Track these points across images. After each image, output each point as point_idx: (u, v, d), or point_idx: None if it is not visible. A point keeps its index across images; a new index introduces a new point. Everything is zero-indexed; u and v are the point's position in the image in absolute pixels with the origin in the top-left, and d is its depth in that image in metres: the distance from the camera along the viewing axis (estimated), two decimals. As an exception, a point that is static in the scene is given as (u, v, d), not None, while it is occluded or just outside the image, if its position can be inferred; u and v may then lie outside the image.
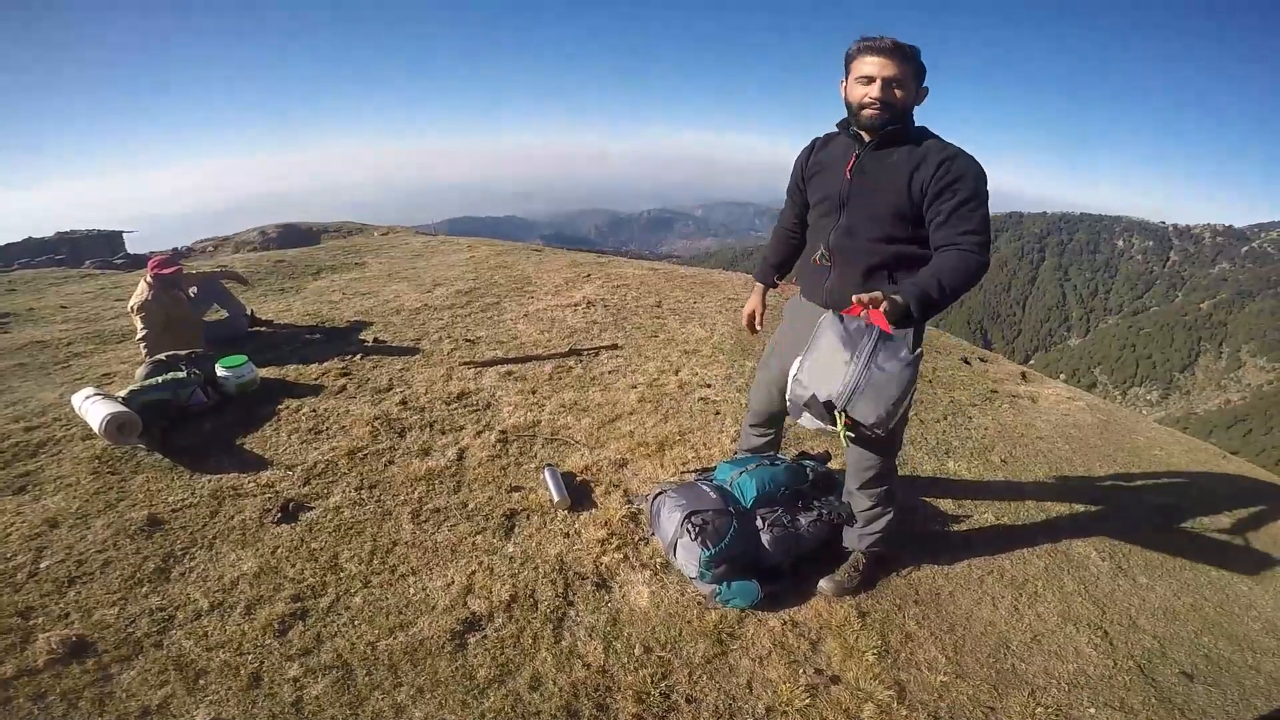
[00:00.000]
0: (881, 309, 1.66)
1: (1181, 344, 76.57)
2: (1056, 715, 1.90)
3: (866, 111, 1.87)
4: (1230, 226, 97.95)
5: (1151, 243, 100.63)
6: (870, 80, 1.83)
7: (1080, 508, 3.06)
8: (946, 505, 2.90)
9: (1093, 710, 1.94)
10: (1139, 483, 3.48)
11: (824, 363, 1.77)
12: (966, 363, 4.99)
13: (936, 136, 1.89)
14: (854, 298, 1.69)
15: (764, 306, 2.49)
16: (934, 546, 2.59)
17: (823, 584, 2.27)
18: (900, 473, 3.06)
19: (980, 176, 1.79)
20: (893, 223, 1.88)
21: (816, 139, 2.16)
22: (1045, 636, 2.21)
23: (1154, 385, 74.63)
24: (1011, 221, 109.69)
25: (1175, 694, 2.04)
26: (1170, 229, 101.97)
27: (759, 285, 2.50)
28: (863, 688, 1.90)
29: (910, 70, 1.84)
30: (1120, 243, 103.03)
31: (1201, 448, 4.39)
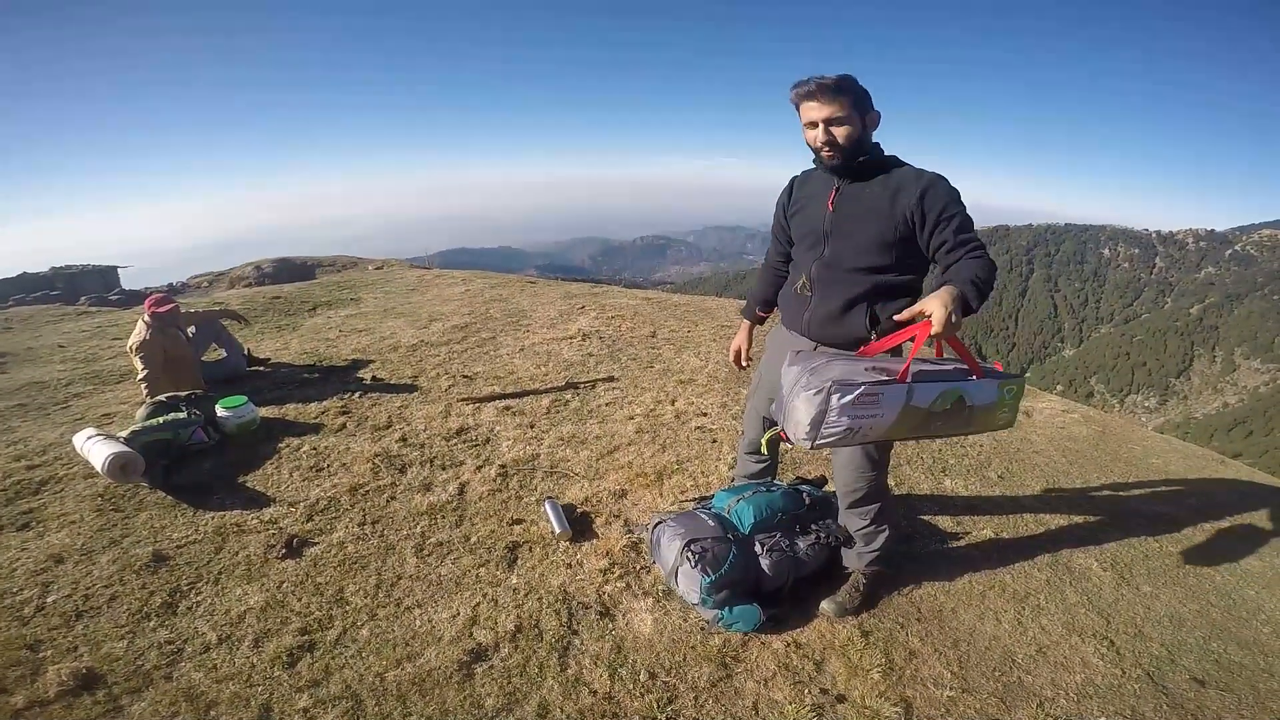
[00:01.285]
0: (937, 311, 1.57)
1: (1175, 349, 77.03)
2: (1066, 726, 1.91)
3: (823, 154, 1.94)
4: (1212, 230, 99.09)
5: (1137, 250, 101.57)
6: (814, 124, 1.89)
7: (1079, 520, 3.08)
8: (945, 523, 2.93)
9: (1103, 719, 1.95)
10: (1137, 492, 3.51)
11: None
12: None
13: (907, 164, 1.94)
14: (895, 318, 1.78)
15: (750, 343, 2.53)
16: (934, 564, 2.61)
17: (824, 605, 2.29)
18: (897, 492, 3.10)
19: (959, 196, 1.84)
20: (875, 252, 1.92)
21: (796, 177, 2.22)
22: (1050, 649, 2.22)
23: (1151, 392, 74.87)
24: (999, 235, 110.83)
25: (1188, 700, 2.04)
26: (1154, 235, 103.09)
27: (745, 322, 2.54)
28: (869, 705, 1.91)
29: (848, 101, 1.84)
30: (1106, 251, 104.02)
31: (1199, 454, 4.44)
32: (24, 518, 2.73)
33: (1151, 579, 2.67)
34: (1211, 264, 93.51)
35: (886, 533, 2.27)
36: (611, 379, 4.51)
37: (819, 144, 1.90)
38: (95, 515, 2.74)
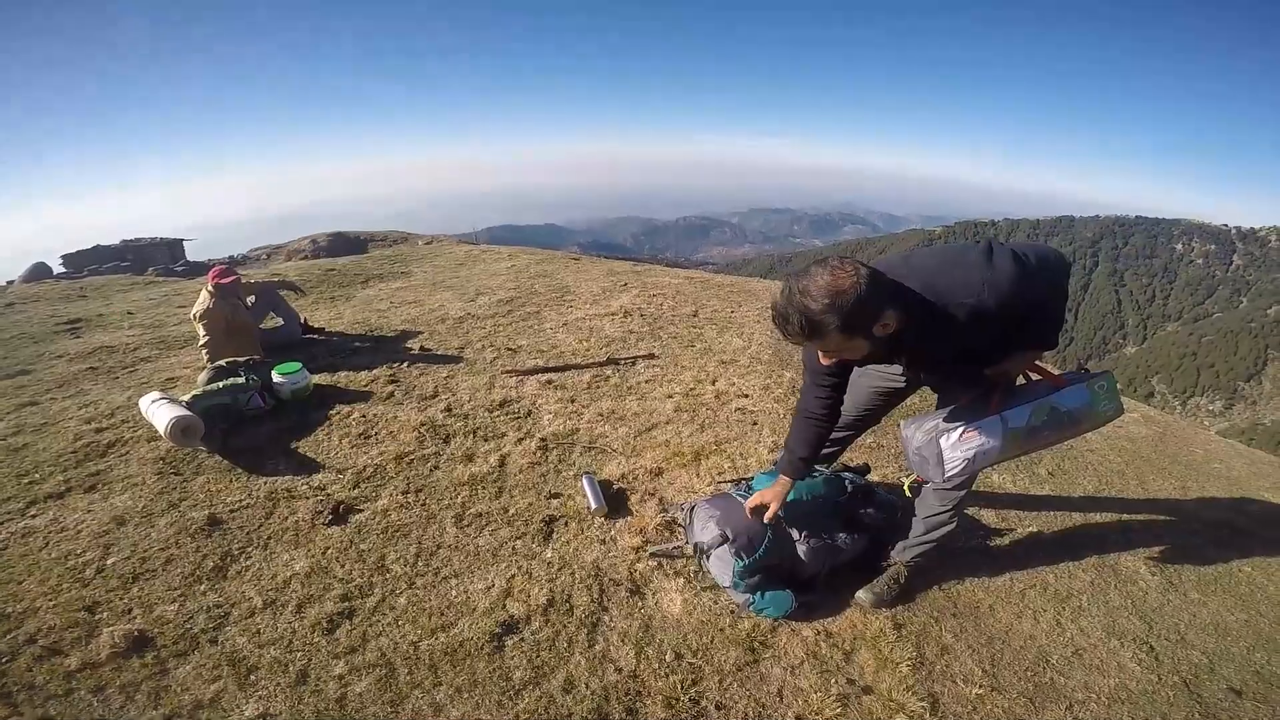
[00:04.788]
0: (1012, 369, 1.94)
1: (1247, 351, 72.66)
2: (1095, 731, 1.87)
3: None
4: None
5: (1213, 246, 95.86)
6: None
7: (1131, 522, 2.98)
8: (989, 518, 2.86)
9: None
10: (1195, 497, 3.37)
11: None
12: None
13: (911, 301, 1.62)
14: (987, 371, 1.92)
15: (782, 505, 2.18)
16: (975, 560, 2.56)
17: (860, 595, 2.27)
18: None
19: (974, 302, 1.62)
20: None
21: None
22: (1087, 651, 2.17)
23: (1217, 395, 70.97)
24: (1061, 226, 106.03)
25: (1221, 710, 1.99)
26: (1233, 231, 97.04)
27: (786, 480, 2.16)
28: (895, 699, 1.90)
29: (835, 338, 1.54)
30: (1179, 246, 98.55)
31: (1266, 460, 4.22)
32: (91, 479, 2.87)
33: (1201, 586, 2.57)
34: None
35: (951, 528, 2.19)
36: (652, 356, 4.51)
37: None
38: (156, 478, 2.87)
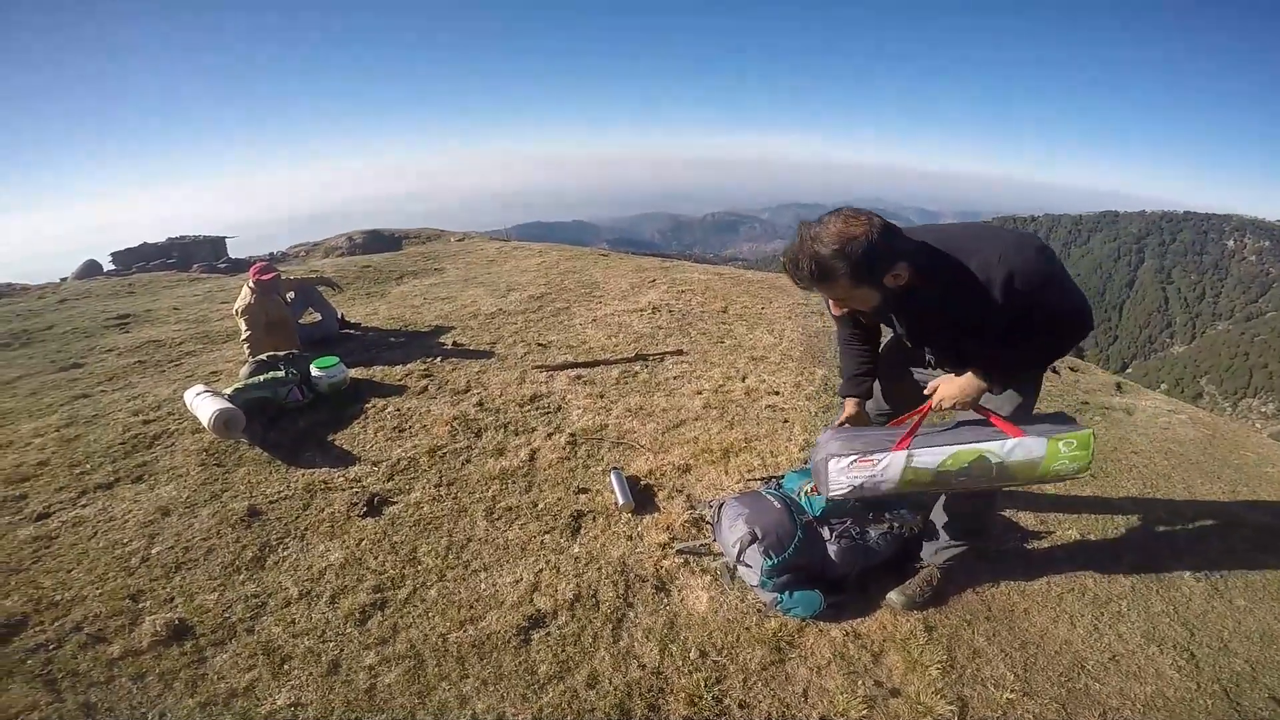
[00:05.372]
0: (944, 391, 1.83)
1: (1304, 352, 69.75)
2: (1130, 739, 1.82)
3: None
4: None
5: (1268, 243, 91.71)
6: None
7: (1176, 526, 2.87)
8: (1028, 521, 2.78)
9: None
10: (1245, 501, 3.23)
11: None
12: (1055, 372, 4.74)
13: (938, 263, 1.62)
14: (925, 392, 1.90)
15: (869, 418, 2.23)
16: (1011, 562, 2.50)
17: (892, 596, 2.23)
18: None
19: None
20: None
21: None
22: (1125, 657, 2.11)
23: (1270, 397, 67.99)
24: (1106, 220, 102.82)
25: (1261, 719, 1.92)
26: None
27: (852, 399, 2.16)
28: (923, 702, 1.87)
29: (844, 284, 1.56)
30: (1230, 243, 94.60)
31: (1321, 466, 4.04)
32: (139, 470, 2.99)
33: (1248, 593, 2.47)
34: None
35: (984, 533, 2.16)
36: (680, 353, 4.51)
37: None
38: (200, 469, 2.97)
